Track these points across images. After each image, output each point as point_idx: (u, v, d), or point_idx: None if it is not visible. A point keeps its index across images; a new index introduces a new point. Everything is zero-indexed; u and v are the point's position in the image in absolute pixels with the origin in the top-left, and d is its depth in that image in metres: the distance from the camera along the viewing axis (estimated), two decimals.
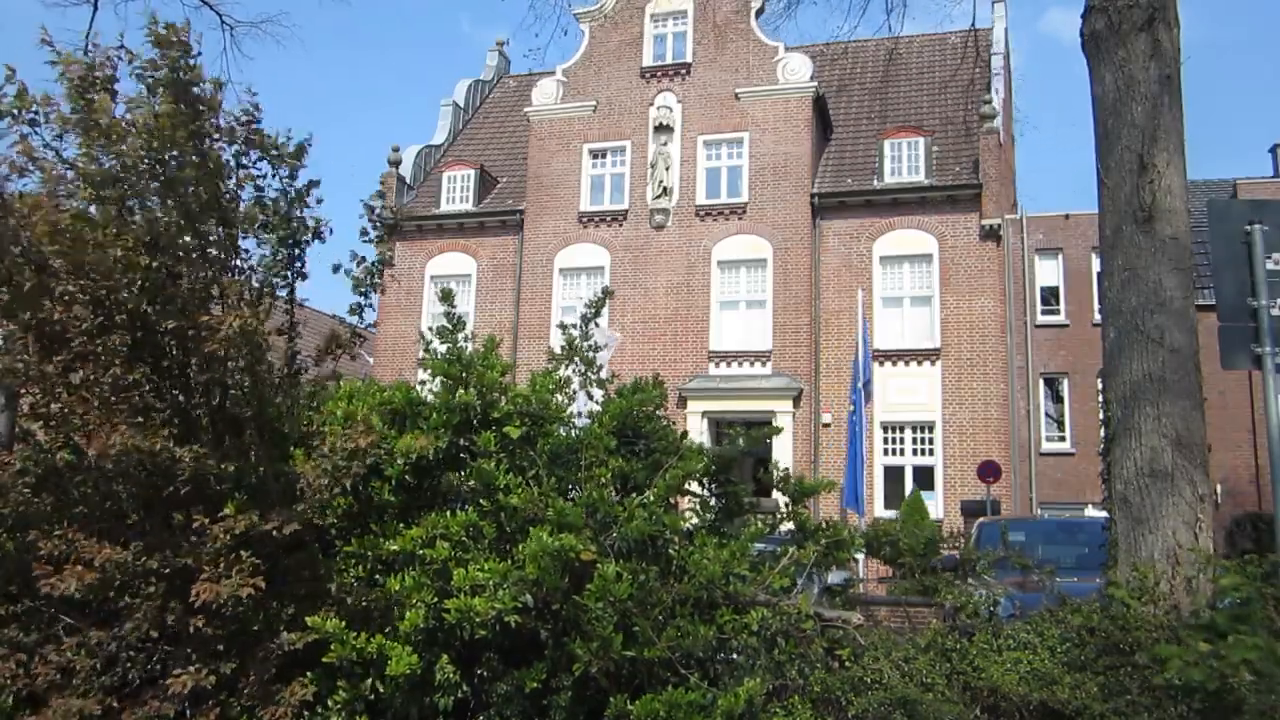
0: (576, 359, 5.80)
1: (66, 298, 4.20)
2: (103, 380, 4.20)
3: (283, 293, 5.08)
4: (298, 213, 4.95)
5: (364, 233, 5.40)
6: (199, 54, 4.49)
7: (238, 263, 4.78)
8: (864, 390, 18.53)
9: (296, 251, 5.06)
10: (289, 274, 5.12)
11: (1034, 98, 61.44)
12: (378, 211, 5.39)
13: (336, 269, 5.37)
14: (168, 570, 4.10)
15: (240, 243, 4.77)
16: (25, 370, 4.25)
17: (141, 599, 4.10)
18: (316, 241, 5.11)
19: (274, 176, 4.91)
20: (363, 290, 5.41)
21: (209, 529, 4.05)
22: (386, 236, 5.55)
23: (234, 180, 4.71)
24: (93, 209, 4.40)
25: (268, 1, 40.01)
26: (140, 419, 4.21)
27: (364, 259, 5.40)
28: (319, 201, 5.05)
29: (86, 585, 3.94)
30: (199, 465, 4.11)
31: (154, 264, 4.30)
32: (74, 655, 4.04)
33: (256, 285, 4.93)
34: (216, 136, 4.58)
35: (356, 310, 5.45)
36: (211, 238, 4.58)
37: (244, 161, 4.78)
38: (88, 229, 4.19)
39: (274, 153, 4.83)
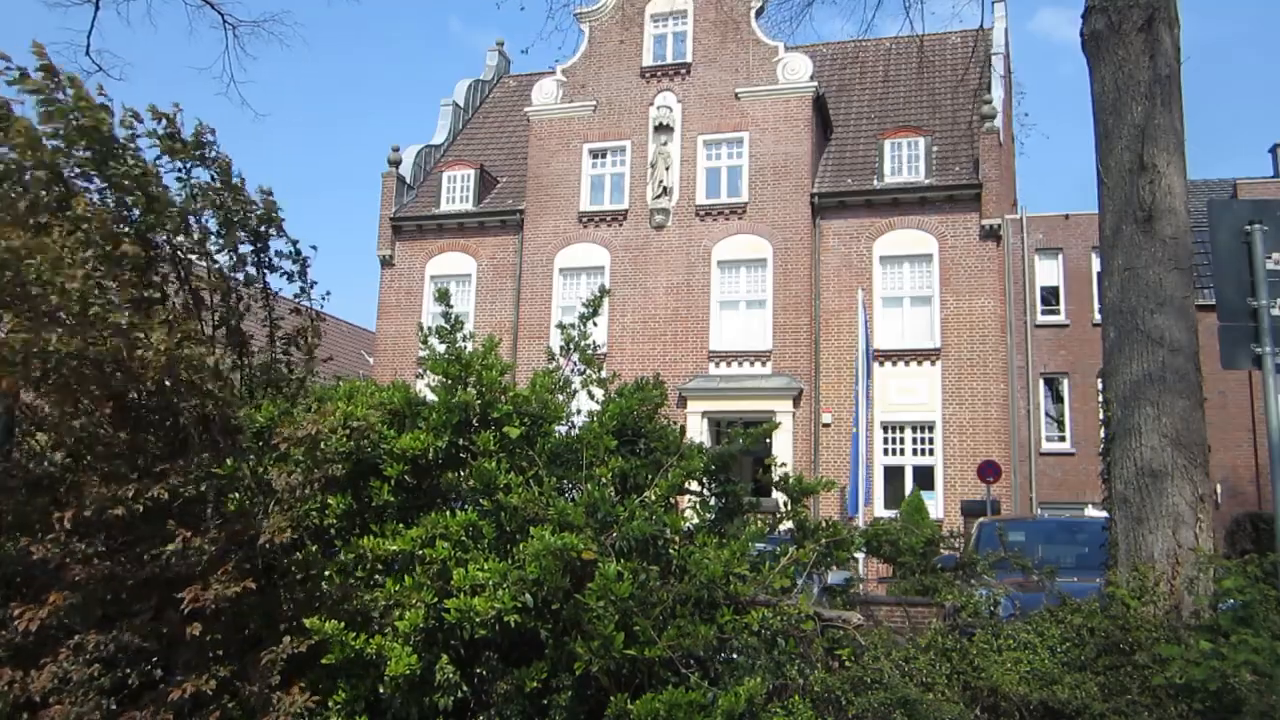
0: (574, 359, 5.79)
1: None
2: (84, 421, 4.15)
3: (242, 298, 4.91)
4: (228, 194, 4.73)
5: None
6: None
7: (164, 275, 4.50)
8: (864, 391, 18.50)
9: (257, 243, 4.90)
10: (256, 271, 5.01)
11: (1031, 97, 61.45)
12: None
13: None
14: (160, 577, 4.07)
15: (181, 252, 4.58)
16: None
17: (136, 608, 4.08)
18: (276, 232, 4.93)
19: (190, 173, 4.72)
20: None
21: (190, 542, 4.01)
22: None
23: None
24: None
25: (272, 1, 40.02)
26: (113, 458, 4.14)
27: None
28: (241, 179, 4.81)
29: (66, 608, 3.89)
30: (178, 486, 4.08)
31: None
32: (71, 660, 4.00)
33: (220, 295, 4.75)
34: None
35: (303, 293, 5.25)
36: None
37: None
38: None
39: (185, 148, 4.63)
